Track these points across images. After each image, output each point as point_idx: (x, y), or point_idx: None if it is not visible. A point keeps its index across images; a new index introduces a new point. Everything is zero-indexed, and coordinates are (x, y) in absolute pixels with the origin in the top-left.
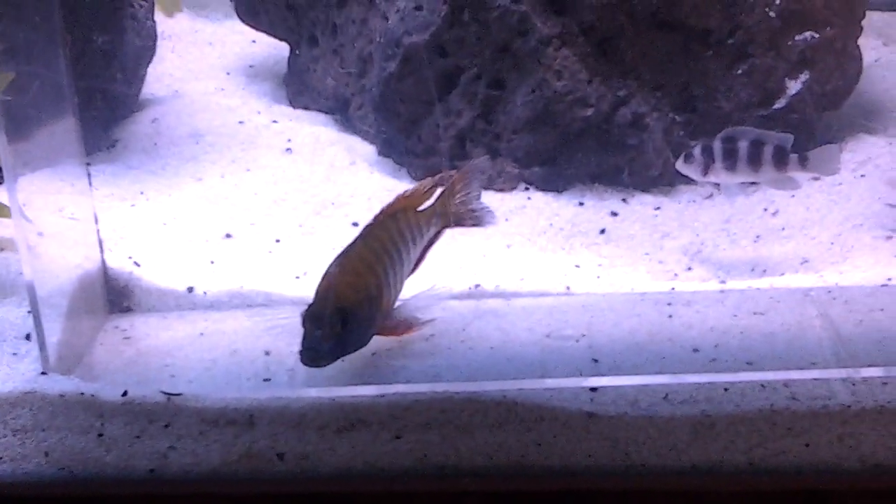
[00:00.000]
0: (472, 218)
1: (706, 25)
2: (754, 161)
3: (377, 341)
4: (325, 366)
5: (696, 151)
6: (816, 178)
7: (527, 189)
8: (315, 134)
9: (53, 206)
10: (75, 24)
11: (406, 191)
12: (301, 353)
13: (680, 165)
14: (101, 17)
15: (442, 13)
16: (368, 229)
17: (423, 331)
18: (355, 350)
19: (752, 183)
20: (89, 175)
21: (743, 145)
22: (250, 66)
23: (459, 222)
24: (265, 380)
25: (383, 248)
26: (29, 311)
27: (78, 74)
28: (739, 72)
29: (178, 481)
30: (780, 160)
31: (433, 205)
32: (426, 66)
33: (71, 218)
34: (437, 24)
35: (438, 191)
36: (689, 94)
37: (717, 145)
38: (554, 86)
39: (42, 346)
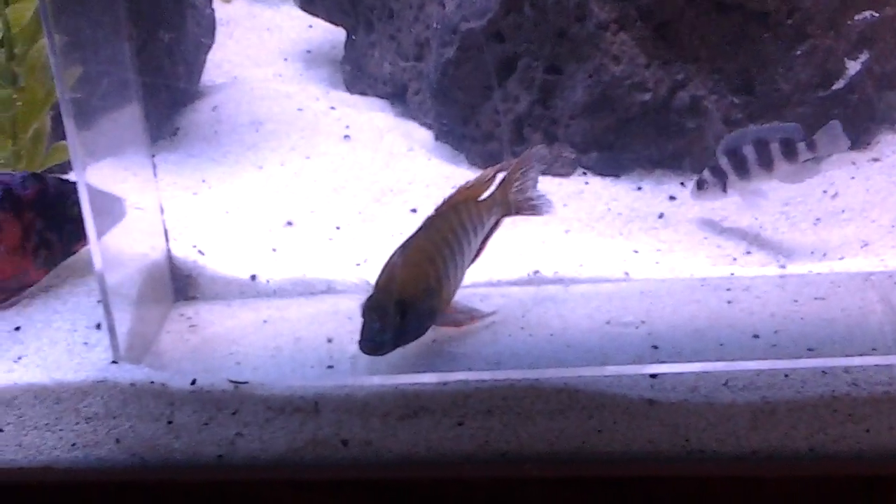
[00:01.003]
0: (531, 207)
1: (764, 7)
2: (765, 161)
3: (438, 328)
4: (383, 355)
5: (706, 175)
6: (877, 160)
7: (584, 174)
8: (373, 120)
9: (120, 193)
10: (138, 14)
11: (467, 182)
12: (360, 342)
13: (694, 195)
14: (163, 7)
15: None
16: (430, 221)
17: (484, 322)
18: (414, 340)
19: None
20: (154, 165)
21: (748, 150)
22: (307, 52)
23: (518, 211)
24: (328, 367)
25: (444, 240)
26: (99, 301)
27: (141, 64)
28: (798, 53)
29: (245, 467)
30: (789, 152)
31: (492, 194)
32: (484, 52)
33: (136, 208)
34: (494, 10)
35: (498, 180)
36: (748, 76)
37: (724, 161)
38: (612, 70)
39: (112, 335)
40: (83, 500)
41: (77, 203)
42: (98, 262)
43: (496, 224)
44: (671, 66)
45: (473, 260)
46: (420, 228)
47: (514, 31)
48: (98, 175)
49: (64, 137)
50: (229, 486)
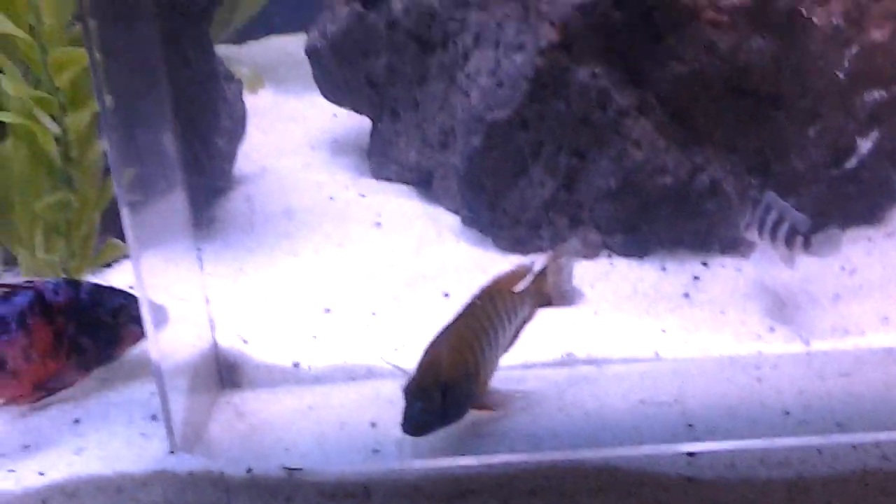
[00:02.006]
0: (563, 299)
1: (777, 90)
2: (774, 234)
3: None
4: (424, 435)
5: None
6: (891, 235)
7: (610, 256)
8: (402, 207)
9: (168, 285)
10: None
11: (503, 271)
12: (403, 423)
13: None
14: (198, 102)
15: (522, 89)
16: (468, 308)
17: (520, 401)
18: (453, 422)
19: None
20: (200, 255)
21: (772, 217)
22: (333, 140)
23: (551, 303)
24: (374, 451)
25: (481, 327)
26: (153, 393)
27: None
28: (811, 133)
29: None
30: (791, 238)
31: (528, 287)
32: (510, 140)
33: (181, 299)
34: (518, 100)
35: (532, 273)
36: (763, 156)
37: (758, 210)
38: (633, 155)
39: (169, 426)
40: None
41: (109, 310)
42: (155, 353)
43: (530, 315)
44: (690, 149)
45: (508, 348)
46: (459, 315)
47: (537, 119)
48: (150, 268)
49: (109, 235)
50: None
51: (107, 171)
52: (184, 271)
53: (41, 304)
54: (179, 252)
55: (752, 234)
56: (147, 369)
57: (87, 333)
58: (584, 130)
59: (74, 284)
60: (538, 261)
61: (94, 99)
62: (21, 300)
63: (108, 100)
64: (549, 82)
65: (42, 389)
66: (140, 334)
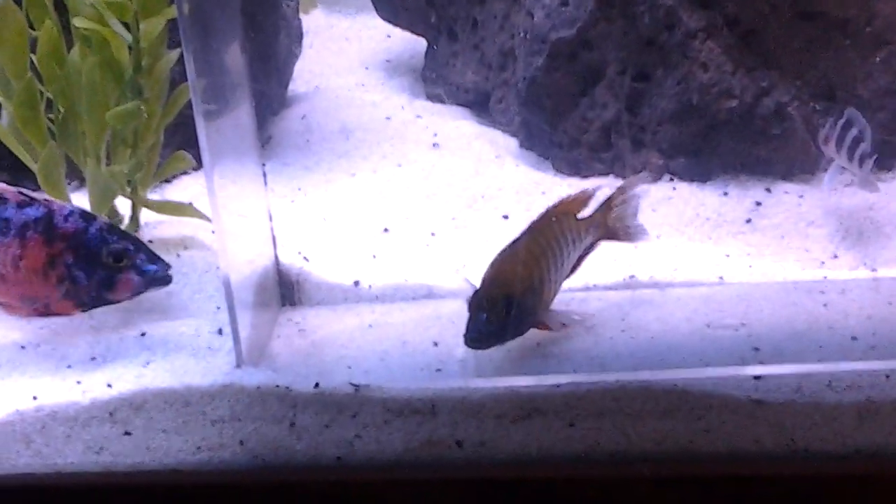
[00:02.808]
0: (626, 234)
1: (845, 14)
2: (851, 153)
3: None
4: (486, 349)
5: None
6: None
7: (671, 180)
8: (459, 128)
9: (235, 202)
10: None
11: (568, 195)
12: (465, 335)
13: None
14: (259, 17)
15: (588, 8)
16: (533, 226)
17: (583, 322)
18: (515, 337)
19: None
20: (265, 172)
21: (852, 134)
22: (387, 61)
23: (613, 236)
24: (437, 370)
25: (547, 245)
26: (218, 307)
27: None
28: (878, 59)
29: (364, 468)
30: (865, 160)
31: (592, 215)
32: (573, 61)
33: (240, 215)
34: (583, 19)
35: (597, 201)
36: (829, 82)
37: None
38: (700, 78)
39: (236, 340)
40: (207, 501)
41: (112, 252)
42: (224, 267)
43: (592, 245)
44: (756, 73)
45: (569, 275)
46: (524, 233)
47: (602, 39)
48: (220, 180)
49: (174, 148)
50: (347, 487)
51: (172, 82)
52: (249, 186)
53: (47, 223)
54: (247, 167)
55: (829, 149)
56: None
57: (83, 268)
58: (649, 51)
59: (88, 217)
60: (604, 190)
61: (167, 7)
62: (31, 212)
63: (186, 7)
64: (615, 2)
65: (32, 304)
66: (138, 285)
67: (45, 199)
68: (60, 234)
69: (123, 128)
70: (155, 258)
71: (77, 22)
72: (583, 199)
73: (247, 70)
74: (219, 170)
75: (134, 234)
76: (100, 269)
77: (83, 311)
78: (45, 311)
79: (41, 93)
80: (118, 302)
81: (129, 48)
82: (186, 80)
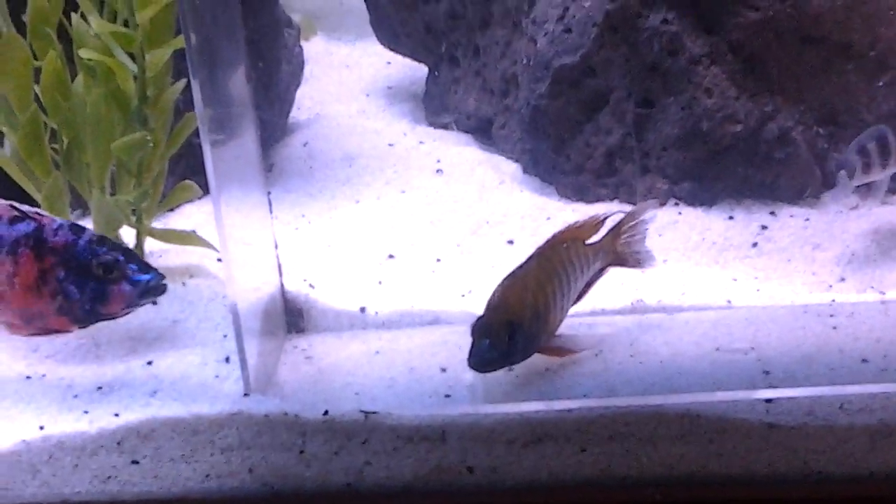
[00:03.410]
0: (635, 260)
1: (848, 39)
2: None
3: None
4: (488, 372)
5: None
6: None
7: (676, 204)
8: (462, 154)
9: (241, 230)
10: None
11: (576, 222)
12: (469, 359)
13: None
14: (261, 45)
15: (591, 35)
16: (540, 251)
17: (590, 350)
18: (519, 362)
19: None
20: (270, 200)
21: (872, 146)
22: (388, 88)
23: (622, 262)
24: (446, 396)
25: (553, 271)
26: (224, 336)
27: None
28: (881, 84)
29: (373, 495)
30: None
31: (601, 241)
32: (576, 87)
33: (246, 243)
34: (586, 45)
35: (606, 227)
36: (832, 107)
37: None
38: (704, 103)
39: (244, 368)
40: None
41: (101, 264)
42: (231, 295)
43: (601, 272)
44: (760, 98)
45: (576, 301)
46: (530, 258)
47: (606, 65)
48: (226, 209)
49: (177, 177)
50: None
51: (176, 111)
52: (255, 214)
53: (37, 238)
54: (252, 195)
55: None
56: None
57: (74, 282)
58: (653, 77)
59: (77, 230)
60: (613, 216)
61: (172, 38)
62: (22, 228)
63: (194, 38)
64: (619, 28)
65: (30, 322)
66: (131, 296)
67: (36, 213)
68: (50, 248)
69: (128, 158)
70: (147, 268)
71: (83, 53)
72: (592, 224)
73: (251, 98)
74: (225, 198)
75: (125, 245)
76: (91, 282)
77: (80, 327)
78: (45, 329)
79: (44, 123)
80: (114, 316)
81: (134, 78)
82: (189, 109)
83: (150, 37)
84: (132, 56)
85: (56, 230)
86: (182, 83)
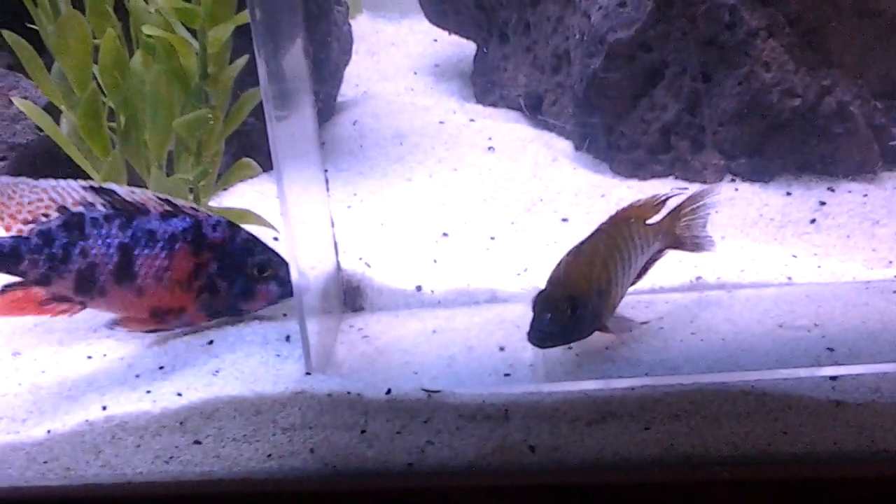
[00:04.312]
0: (693, 244)
1: None
2: None
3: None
4: (549, 347)
5: None
6: None
7: (733, 180)
8: (513, 131)
9: (300, 208)
10: None
11: (638, 200)
12: (530, 333)
13: None
14: (312, 23)
15: (647, 9)
16: (602, 228)
17: (651, 325)
18: (580, 338)
19: None
20: (327, 179)
21: None
22: (435, 65)
23: (680, 245)
24: (506, 374)
25: (615, 248)
26: (284, 314)
27: None
28: None
29: (435, 474)
30: None
31: (661, 222)
32: (631, 62)
33: (305, 222)
34: (642, 20)
35: (667, 208)
36: (890, 80)
37: None
38: (762, 77)
39: (306, 347)
40: None
41: (257, 263)
42: (295, 275)
43: (659, 253)
44: (818, 71)
45: (635, 281)
46: (592, 234)
47: (661, 40)
48: (289, 186)
49: (230, 156)
50: (418, 494)
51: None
52: (312, 192)
53: (196, 233)
54: (310, 172)
55: None
56: None
57: (226, 277)
58: (710, 51)
59: (234, 227)
60: (674, 196)
61: (234, 14)
62: (178, 223)
63: (258, 13)
64: (674, 2)
65: (158, 318)
66: (275, 295)
67: (191, 208)
68: (209, 244)
69: (188, 136)
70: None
71: (146, 29)
72: (653, 204)
73: (309, 74)
74: (286, 176)
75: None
76: (241, 279)
77: (211, 320)
78: (164, 324)
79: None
80: (249, 312)
81: (195, 55)
82: (245, 86)
83: (212, 12)
84: (194, 32)
85: (214, 226)
86: (244, 60)
